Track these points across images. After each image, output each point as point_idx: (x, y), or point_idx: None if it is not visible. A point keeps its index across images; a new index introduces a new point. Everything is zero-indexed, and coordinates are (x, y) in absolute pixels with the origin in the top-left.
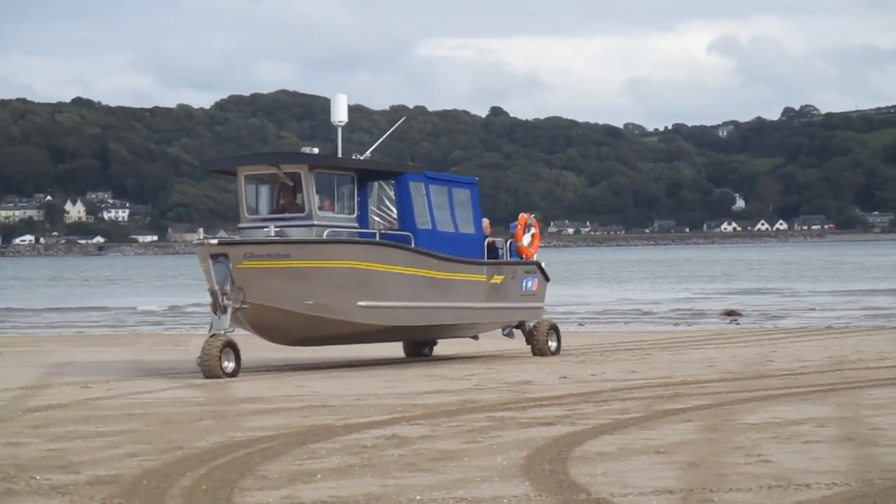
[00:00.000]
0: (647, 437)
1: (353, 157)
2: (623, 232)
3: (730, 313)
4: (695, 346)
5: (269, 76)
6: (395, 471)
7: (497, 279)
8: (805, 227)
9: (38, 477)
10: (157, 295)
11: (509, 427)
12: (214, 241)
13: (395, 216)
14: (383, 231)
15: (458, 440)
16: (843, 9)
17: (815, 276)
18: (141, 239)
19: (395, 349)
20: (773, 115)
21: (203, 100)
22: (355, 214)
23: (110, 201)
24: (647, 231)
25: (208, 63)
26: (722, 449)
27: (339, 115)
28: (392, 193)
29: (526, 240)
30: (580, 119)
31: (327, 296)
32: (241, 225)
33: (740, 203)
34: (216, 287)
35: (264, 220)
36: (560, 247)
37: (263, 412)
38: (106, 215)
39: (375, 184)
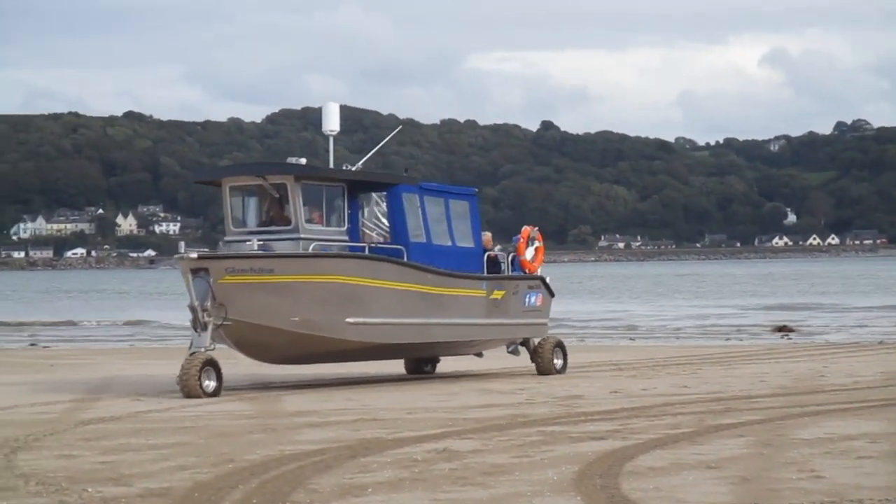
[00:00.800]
0: (699, 452)
1: (344, 168)
2: (673, 246)
3: (781, 328)
4: (746, 360)
5: (319, 90)
6: (447, 485)
7: (497, 294)
8: (857, 242)
9: (90, 489)
10: None
11: (560, 441)
12: (194, 255)
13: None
14: (376, 245)
15: (509, 454)
16: (894, 22)
17: (867, 290)
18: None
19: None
20: (825, 128)
21: (254, 113)
22: (345, 227)
23: (161, 215)
24: (697, 245)
25: (259, 77)
26: (774, 464)
27: (331, 124)
28: (385, 206)
29: (529, 253)
30: (631, 133)
31: (314, 312)
32: (226, 238)
33: (792, 217)
34: (196, 303)
35: (250, 233)
36: (610, 261)
37: (314, 425)
38: (157, 229)
39: (369, 196)
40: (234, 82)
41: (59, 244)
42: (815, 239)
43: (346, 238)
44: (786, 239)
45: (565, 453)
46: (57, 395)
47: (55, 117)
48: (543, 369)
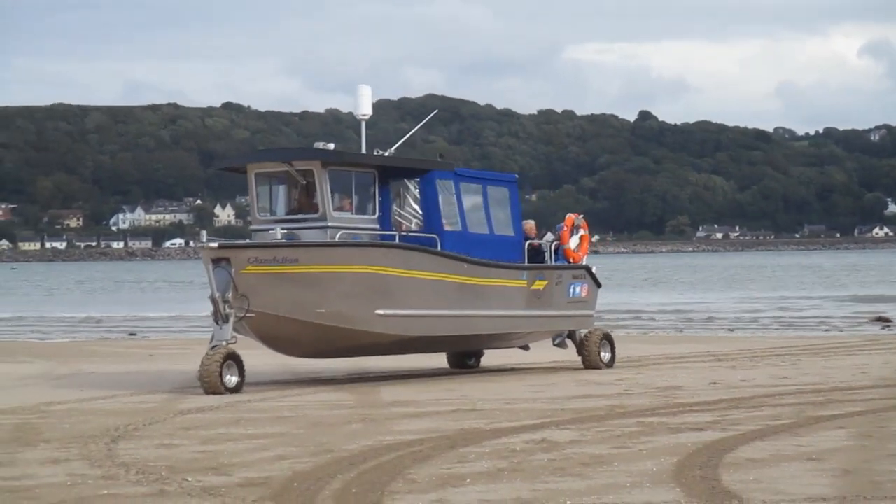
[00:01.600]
0: (800, 444)
1: (375, 154)
2: (772, 237)
3: (880, 319)
4: (846, 352)
5: (417, 81)
6: (545, 475)
7: (539, 285)
8: None
9: (189, 478)
10: None
11: (659, 432)
12: (214, 245)
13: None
14: (407, 233)
15: (607, 445)
16: None
17: None
18: None
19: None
20: None
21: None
22: (376, 215)
23: None
24: (796, 236)
25: (357, 67)
26: (876, 456)
27: (363, 109)
28: (417, 193)
29: (573, 242)
30: (729, 123)
31: (341, 304)
32: (252, 227)
33: (893, 208)
34: (217, 294)
35: (277, 221)
36: (709, 251)
37: (413, 416)
38: None
39: (402, 182)
40: (332, 73)
41: (158, 234)
42: None
43: (378, 226)
44: (886, 229)
45: (664, 444)
46: (156, 384)
47: (154, 108)
48: (590, 363)
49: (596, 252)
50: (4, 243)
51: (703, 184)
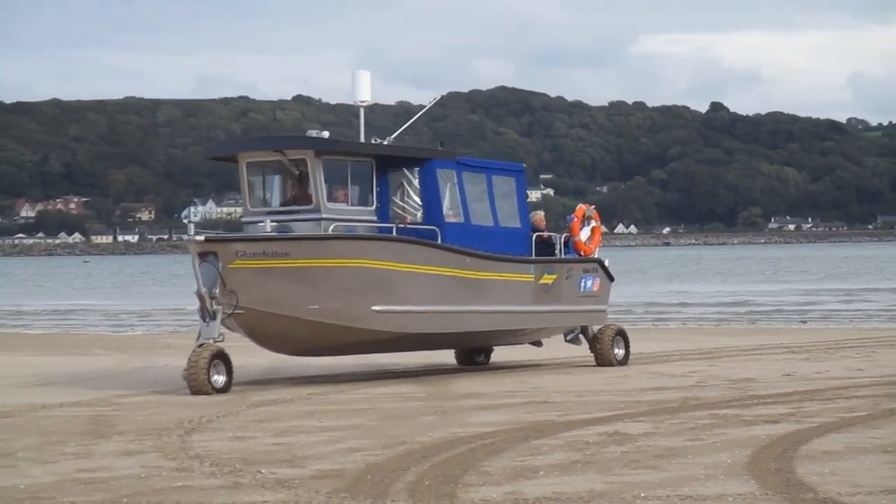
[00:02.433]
0: (875, 436)
1: (373, 142)
2: (845, 228)
3: None
4: None
5: (487, 72)
6: (618, 468)
7: (548, 279)
8: None
9: (263, 471)
10: None
11: (733, 424)
12: (201, 238)
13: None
14: (405, 226)
15: (681, 437)
16: None
17: None
18: None
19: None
20: None
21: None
22: (373, 207)
23: None
24: (870, 227)
25: (427, 60)
26: None
27: (362, 94)
28: (417, 183)
29: (584, 234)
30: (801, 114)
31: (335, 300)
32: (244, 219)
33: None
34: (203, 290)
35: (269, 213)
36: (781, 243)
37: (485, 408)
38: None
39: (402, 172)
40: (402, 66)
41: (229, 228)
42: None
43: (375, 218)
44: None
45: (738, 436)
46: (236, 379)
47: (226, 102)
48: (603, 360)
49: (667, 244)
50: (77, 237)
51: (776, 175)
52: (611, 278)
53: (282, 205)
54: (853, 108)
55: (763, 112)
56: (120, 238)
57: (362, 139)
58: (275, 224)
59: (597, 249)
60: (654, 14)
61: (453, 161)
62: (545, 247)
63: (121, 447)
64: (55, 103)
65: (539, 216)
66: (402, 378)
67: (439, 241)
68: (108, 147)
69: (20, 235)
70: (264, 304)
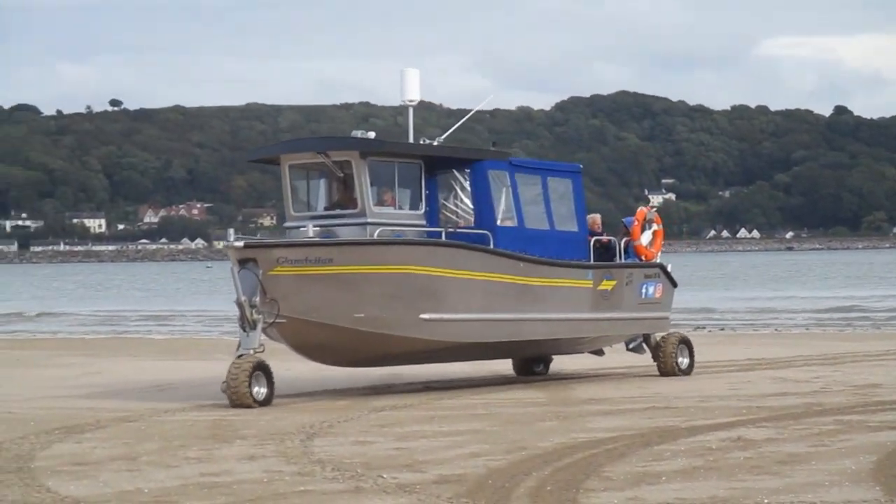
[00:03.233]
0: None
1: (421, 143)
2: None
3: None
4: None
5: (608, 77)
6: (741, 473)
7: (607, 285)
8: None
9: (384, 475)
10: None
11: (858, 431)
12: (240, 244)
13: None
14: (455, 230)
15: (804, 443)
16: None
17: None
18: None
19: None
20: None
21: (543, 101)
22: (422, 210)
23: None
24: None
25: (548, 64)
26: None
27: (410, 94)
28: (468, 185)
29: (645, 238)
30: None
31: (381, 308)
32: (286, 224)
33: None
34: (243, 298)
35: (313, 217)
36: None
37: (606, 413)
38: None
39: (452, 174)
40: (523, 70)
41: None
42: None
43: (424, 223)
44: None
45: (863, 443)
46: (350, 382)
47: (347, 107)
48: (666, 369)
49: (790, 248)
50: (199, 242)
51: None
52: (674, 284)
53: (326, 209)
54: None
55: (888, 115)
56: None
57: (411, 139)
58: (318, 229)
59: (658, 254)
60: (776, 16)
61: (506, 162)
62: (604, 251)
63: (243, 451)
64: (178, 110)
65: (595, 219)
66: (523, 383)
67: (492, 246)
68: (230, 153)
69: (143, 241)
70: (306, 313)
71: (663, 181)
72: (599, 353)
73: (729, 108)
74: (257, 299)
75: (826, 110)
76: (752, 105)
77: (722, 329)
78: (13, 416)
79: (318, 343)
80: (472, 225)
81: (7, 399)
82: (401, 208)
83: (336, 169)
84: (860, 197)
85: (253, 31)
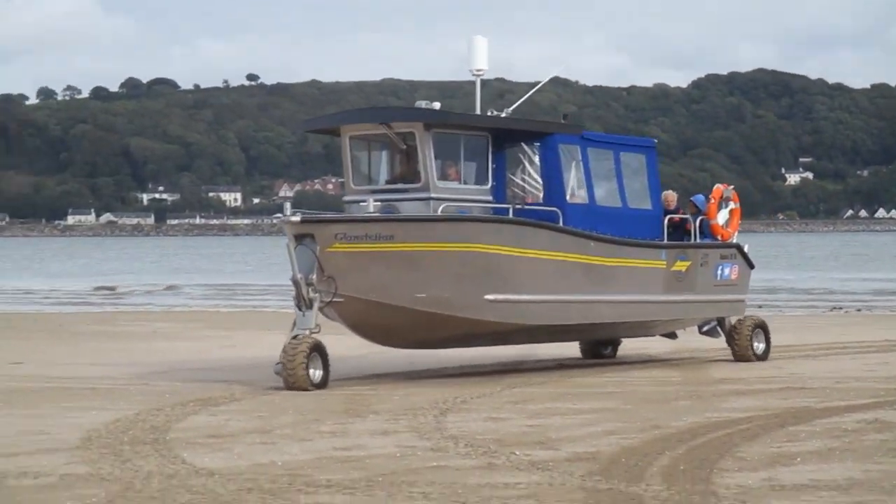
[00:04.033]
0: None
1: (489, 115)
2: None
3: None
4: None
5: (747, 55)
6: (878, 456)
7: (681, 266)
8: None
9: (517, 452)
10: None
11: None
12: (297, 219)
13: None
14: (523, 207)
15: None
16: None
17: None
18: None
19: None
20: None
21: (679, 78)
22: (489, 185)
23: None
24: None
25: (685, 42)
26: None
27: (478, 63)
28: (538, 159)
29: (722, 217)
30: None
31: (445, 287)
32: (345, 198)
33: None
34: (299, 276)
35: (373, 192)
36: None
37: (741, 393)
38: None
39: (521, 148)
40: (660, 48)
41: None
42: None
43: (490, 198)
44: None
45: None
46: (486, 360)
47: (482, 83)
48: (741, 355)
49: None
50: None
51: None
52: (751, 265)
53: (387, 183)
54: None
55: None
56: None
57: (478, 111)
58: (379, 204)
59: (735, 234)
60: None
61: (578, 136)
62: (679, 230)
63: (376, 426)
64: (314, 84)
65: (670, 196)
66: (658, 362)
67: (561, 224)
68: None
69: (278, 215)
70: (366, 292)
71: (801, 160)
72: (672, 336)
73: (869, 87)
74: (314, 277)
75: None
76: (893, 83)
77: (859, 310)
78: (149, 387)
79: (377, 324)
80: (541, 201)
81: (144, 371)
82: (466, 183)
83: (399, 141)
84: None
85: (391, 7)
